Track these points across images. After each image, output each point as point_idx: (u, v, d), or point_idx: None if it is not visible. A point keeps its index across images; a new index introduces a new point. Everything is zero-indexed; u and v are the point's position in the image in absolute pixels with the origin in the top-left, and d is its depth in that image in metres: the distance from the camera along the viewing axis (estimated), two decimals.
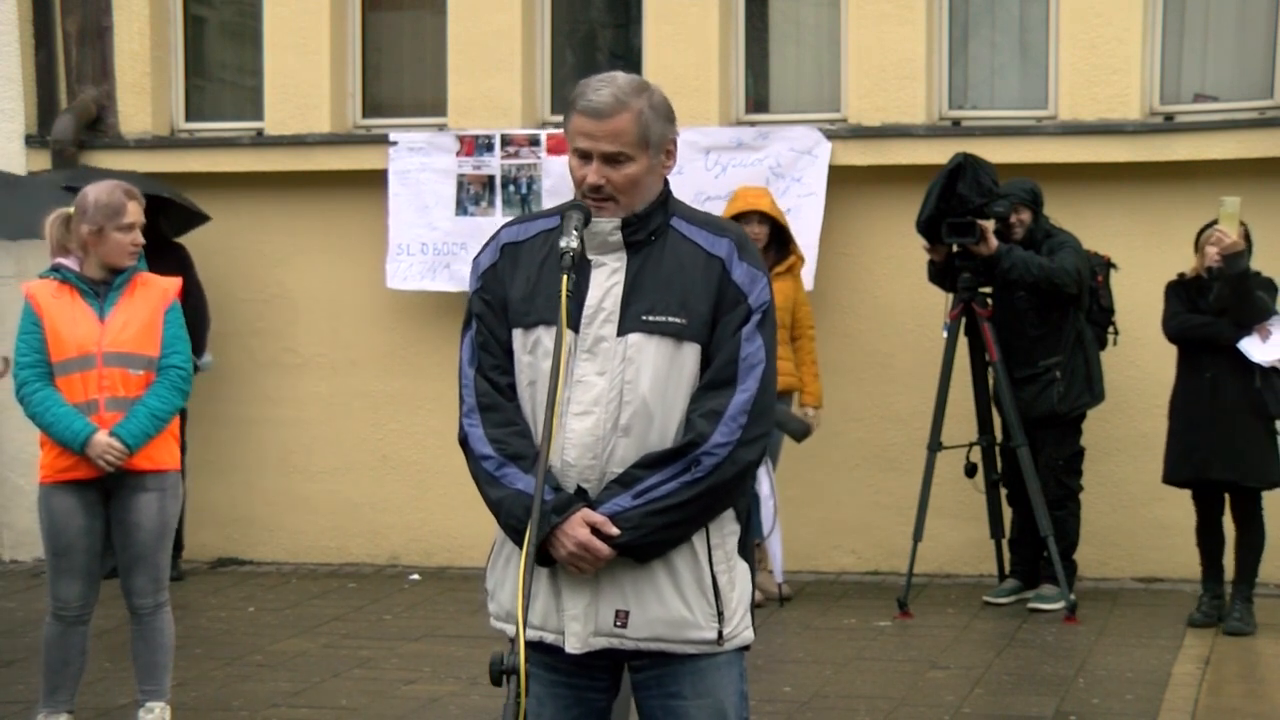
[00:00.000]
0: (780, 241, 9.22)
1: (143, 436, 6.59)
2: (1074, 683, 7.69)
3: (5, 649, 8.57)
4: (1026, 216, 9.08)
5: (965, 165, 8.96)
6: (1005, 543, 9.37)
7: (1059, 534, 8.94)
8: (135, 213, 6.68)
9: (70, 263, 6.71)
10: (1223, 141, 9.45)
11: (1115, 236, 9.30)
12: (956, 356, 9.14)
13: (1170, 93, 9.81)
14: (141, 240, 6.71)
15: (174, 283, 6.89)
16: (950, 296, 9.19)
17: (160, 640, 6.82)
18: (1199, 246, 8.63)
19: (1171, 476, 8.73)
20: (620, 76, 3.98)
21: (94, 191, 6.72)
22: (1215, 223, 8.51)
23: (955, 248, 9.06)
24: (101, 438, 6.55)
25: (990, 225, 8.98)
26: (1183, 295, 8.68)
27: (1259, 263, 8.64)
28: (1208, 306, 8.55)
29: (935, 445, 9.08)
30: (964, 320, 9.14)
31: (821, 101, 10.24)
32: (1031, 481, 8.90)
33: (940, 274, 9.20)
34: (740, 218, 8.98)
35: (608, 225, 3.94)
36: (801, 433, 9.14)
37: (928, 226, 9.07)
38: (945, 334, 9.18)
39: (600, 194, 3.92)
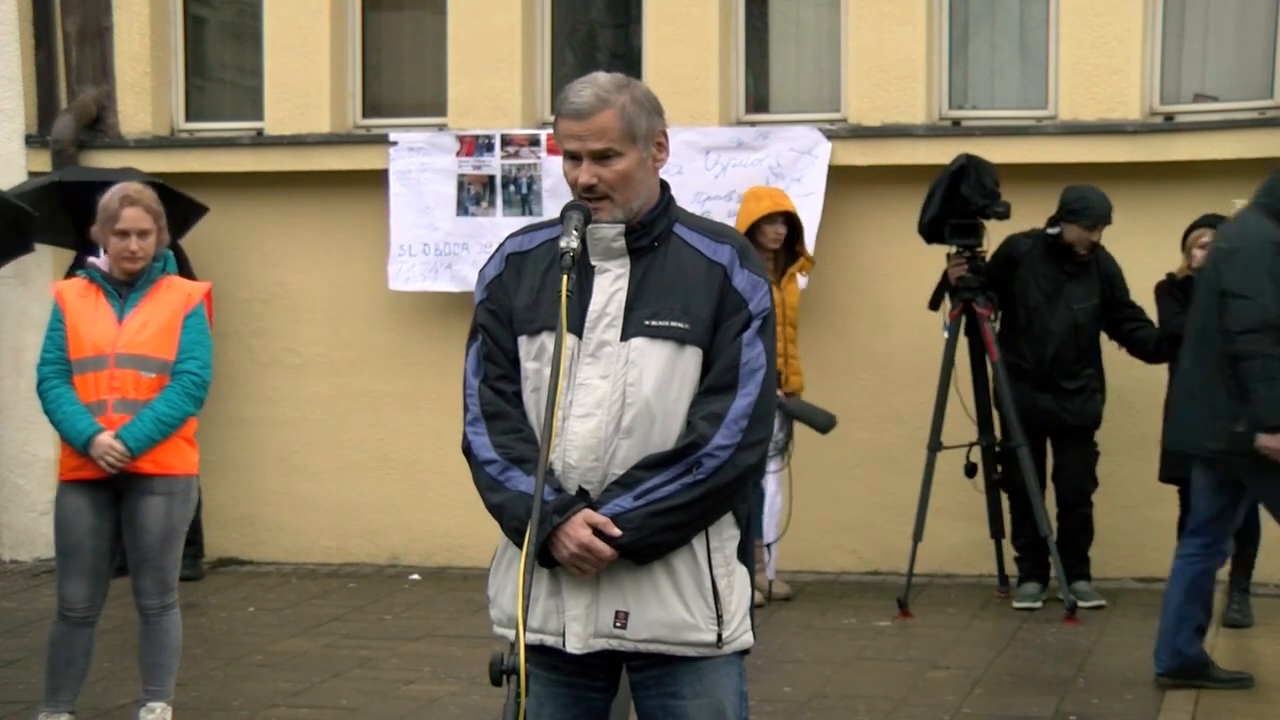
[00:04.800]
0: (790, 243, 9.27)
1: (146, 440, 6.57)
2: (1074, 683, 7.70)
3: (5, 649, 8.57)
4: (1097, 237, 9.10)
5: (968, 167, 8.98)
6: (1019, 545, 9.33)
7: (1086, 530, 9.16)
8: (133, 219, 6.61)
9: (100, 263, 6.73)
10: (1223, 141, 9.45)
11: (1115, 237, 9.29)
12: (956, 356, 9.16)
13: (1170, 93, 9.81)
14: (137, 248, 6.59)
15: (200, 287, 6.87)
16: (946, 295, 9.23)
17: (166, 641, 6.82)
18: (1186, 247, 8.79)
19: (1173, 474, 8.77)
20: (601, 76, 4.00)
21: (106, 193, 6.75)
22: (1203, 223, 8.65)
23: (956, 249, 9.09)
24: (104, 438, 6.54)
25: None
26: (1178, 296, 8.73)
27: None
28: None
29: (935, 445, 9.10)
30: (964, 320, 9.16)
31: (821, 101, 10.24)
32: (1032, 482, 8.92)
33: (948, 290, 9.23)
34: (768, 218, 9.05)
35: (611, 231, 3.94)
36: (826, 424, 9.16)
37: (930, 228, 9.09)
38: (945, 334, 9.20)
39: (594, 193, 3.93)
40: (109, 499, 6.69)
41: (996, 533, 9.41)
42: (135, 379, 6.61)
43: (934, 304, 9.34)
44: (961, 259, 9.10)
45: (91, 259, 6.81)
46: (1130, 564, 9.62)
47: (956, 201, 8.98)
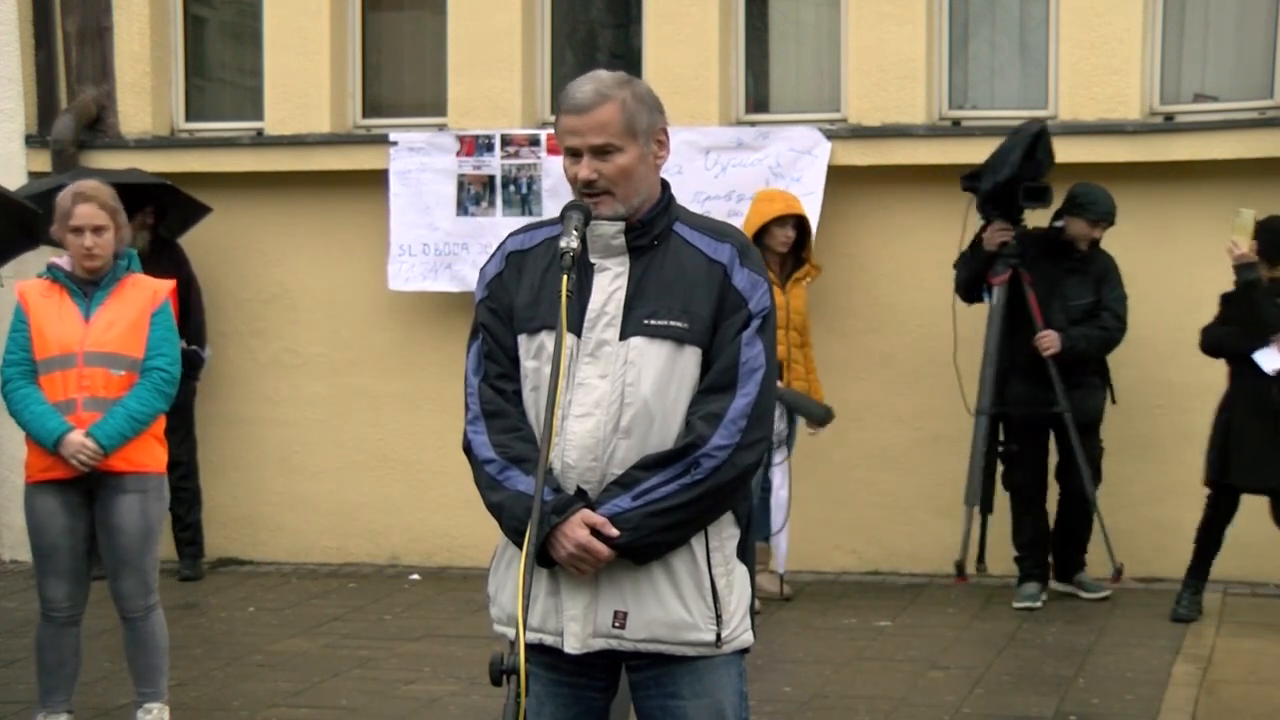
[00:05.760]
0: (798, 247, 9.27)
1: (118, 438, 6.55)
2: (1074, 683, 7.70)
3: (5, 649, 8.57)
4: (1099, 234, 9.09)
5: (1044, 132, 8.98)
6: (1019, 544, 9.30)
7: (1088, 524, 9.19)
8: (87, 215, 6.58)
9: (62, 262, 6.72)
10: (1223, 141, 9.45)
11: (1115, 236, 9.29)
12: (973, 327, 9.16)
13: (1170, 93, 9.81)
14: (92, 244, 6.56)
15: (165, 284, 6.85)
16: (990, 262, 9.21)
17: (154, 643, 6.80)
18: None
19: (1211, 476, 8.74)
20: (602, 72, 4.01)
21: (61, 192, 6.75)
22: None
23: (987, 222, 9.08)
24: (75, 437, 6.52)
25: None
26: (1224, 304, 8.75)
27: None
28: (1233, 315, 8.64)
29: (984, 409, 9.06)
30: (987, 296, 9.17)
31: (821, 101, 10.24)
32: (1078, 446, 8.93)
33: (974, 280, 9.20)
34: (779, 221, 9.06)
35: (611, 229, 3.94)
36: (822, 416, 9.16)
37: (1000, 190, 9.00)
38: (989, 299, 9.16)
39: (594, 188, 3.93)
40: (81, 499, 6.67)
41: (985, 508, 9.27)
42: (105, 377, 6.59)
43: (965, 277, 9.23)
44: (1006, 227, 9.05)
45: (54, 259, 6.79)
46: (1130, 564, 9.60)
47: (1030, 165, 8.96)
